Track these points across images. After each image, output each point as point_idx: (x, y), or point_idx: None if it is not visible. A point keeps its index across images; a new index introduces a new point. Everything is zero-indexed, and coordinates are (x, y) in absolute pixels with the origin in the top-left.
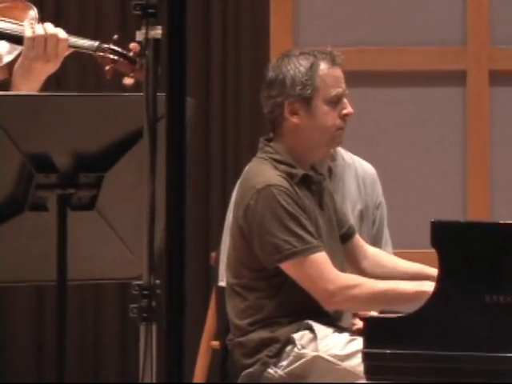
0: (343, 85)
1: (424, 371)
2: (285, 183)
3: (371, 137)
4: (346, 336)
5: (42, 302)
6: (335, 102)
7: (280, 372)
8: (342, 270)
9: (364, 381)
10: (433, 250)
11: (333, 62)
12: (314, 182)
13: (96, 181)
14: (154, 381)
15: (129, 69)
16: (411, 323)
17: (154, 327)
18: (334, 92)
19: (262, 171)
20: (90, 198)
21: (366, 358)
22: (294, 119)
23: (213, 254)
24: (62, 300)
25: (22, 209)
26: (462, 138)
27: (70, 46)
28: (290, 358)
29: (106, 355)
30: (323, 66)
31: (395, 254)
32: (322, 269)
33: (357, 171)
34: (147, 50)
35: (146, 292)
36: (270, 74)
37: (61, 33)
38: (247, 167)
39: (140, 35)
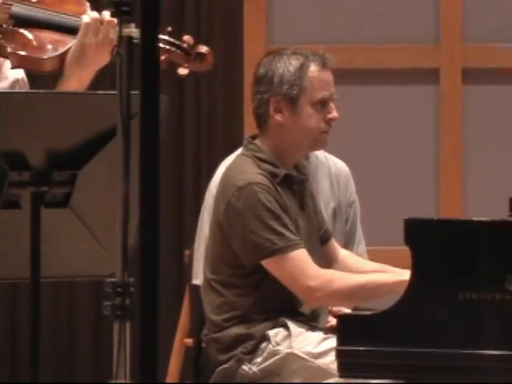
0: (331, 89)
1: (398, 368)
2: (266, 182)
3: (345, 134)
4: (320, 334)
5: (15, 299)
6: (321, 105)
7: (254, 369)
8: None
9: (337, 378)
10: (406, 248)
11: (323, 64)
12: (295, 182)
13: (70, 178)
14: (127, 379)
15: (183, 59)
16: (385, 320)
17: (128, 325)
18: (321, 95)
19: (245, 169)
20: (64, 195)
21: (340, 355)
22: (278, 117)
23: (186, 252)
24: (35, 298)
25: None
26: (435, 136)
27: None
28: (265, 354)
29: (79, 353)
30: (313, 68)
31: (368, 251)
32: (302, 265)
33: (330, 169)
34: (121, 48)
35: (119, 290)
36: (261, 70)
37: (116, 21)
38: (230, 164)
39: (113, 33)
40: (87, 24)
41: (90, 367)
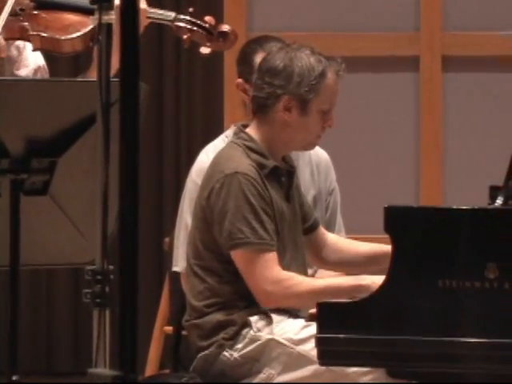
0: (336, 100)
1: (377, 356)
2: (254, 173)
3: None
4: (301, 321)
5: None
6: (325, 113)
7: (235, 355)
8: (303, 264)
9: (316, 365)
10: (386, 236)
11: (337, 73)
12: (283, 174)
13: (49, 166)
14: (107, 367)
15: (205, 39)
16: (365, 308)
17: (108, 312)
18: (328, 106)
19: (234, 157)
20: (43, 183)
21: (320, 342)
22: (286, 115)
23: (166, 240)
24: (14, 285)
25: None
26: (415, 123)
27: (149, 17)
28: (246, 340)
29: (59, 341)
30: (330, 76)
31: (349, 239)
32: (266, 267)
33: (311, 157)
34: (100, 34)
35: (99, 277)
36: (278, 62)
37: (141, 3)
38: (220, 151)
39: (93, 20)
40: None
41: (70, 355)
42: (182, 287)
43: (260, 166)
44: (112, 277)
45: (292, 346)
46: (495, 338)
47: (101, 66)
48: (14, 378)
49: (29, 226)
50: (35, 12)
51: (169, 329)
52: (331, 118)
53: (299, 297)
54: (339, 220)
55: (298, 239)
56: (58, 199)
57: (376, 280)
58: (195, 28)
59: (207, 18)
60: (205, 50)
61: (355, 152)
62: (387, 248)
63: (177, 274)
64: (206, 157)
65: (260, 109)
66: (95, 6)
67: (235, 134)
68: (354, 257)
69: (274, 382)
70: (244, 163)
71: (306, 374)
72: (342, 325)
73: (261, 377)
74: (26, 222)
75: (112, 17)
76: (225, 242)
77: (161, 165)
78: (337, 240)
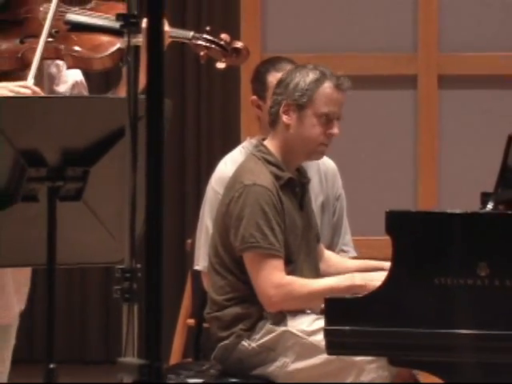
0: (338, 109)
1: (379, 346)
2: (271, 185)
3: None
4: (312, 315)
5: (33, 284)
6: (325, 119)
7: (253, 344)
8: (316, 266)
9: (326, 354)
10: (387, 237)
11: (337, 85)
12: (297, 185)
13: (82, 174)
14: (135, 356)
15: (221, 55)
16: (368, 303)
17: (135, 307)
18: (326, 110)
19: (253, 170)
20: (77, 190)
21: (327, 334)
22: (286, 119)
23: (188, 241)
24: (50, 283)
25: (15, 200)
26: (413, 136)
27: (170, 37)
28: (262, 331)
29: (91, 333)
30: (327, 85)
31: (354, 240)
32: (271, 272)
33: (319, 167)
34: (129, 56)
35: (127, 275)
36: (283, 75)
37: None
38: (242, 162)
39: (123, 42)
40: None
41: (101, 345)
42: (202, 284)
43: (276, 178)
44: (139, 274)
45: (305, 336)
46: (486, 329)
47: (129, 83)
48: (51, 366)
49: (64, 229)
50: (68, 34)
51: (191, 321)
52: (333, 126)
53: (298, 299)
54: (345, 223)
55: (311, 244)
56: (90, 204)
57: (367, 277)
58: (211, 45)
59: (223, 36)
60: (220, 65)
61: (359, 161)
62: (372, 264)
63: (198, 272)
64: (224, 166)
65: (272, 119)
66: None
67: (255, 146)
68: (344, 271)
69: (289, 369)
70: (262, 176)
71: (317, 362)
72: (347, 318)
73: (276, 364)
74: (62, 225)
75: (139, 39)
76: (238, 245)
77: (183, 173)
78: (330, 256)
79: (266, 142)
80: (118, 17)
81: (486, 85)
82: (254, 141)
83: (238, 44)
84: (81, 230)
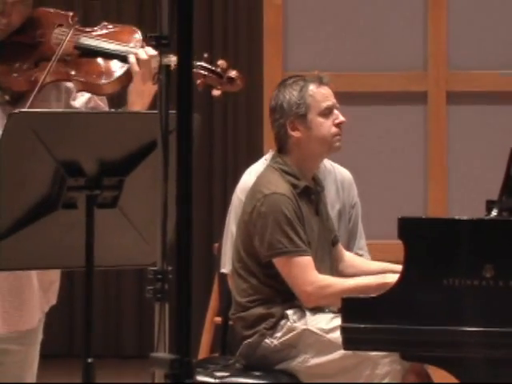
0: (333, 99)
1: (392, 342)
2: (289, 193)
3: (348, 146)
4: (330, 314)
5: (72, 284)
6: (327, 113)
7: (275, 342)
8: (332, 268)
9: (342, 350)
10: (399, 242)
11: (320, 82)
12: (313, 192)
13: (118, 183)
14: (166, 352)
15: (217, 82)
16: (382, 302)
17: (167, 306)
18: (325, 105)
19: (272, 180)
20: (113, 197)
21: (344, 331)
22: (296, 134)
23: (215, 245)
24: (88, 283)
25: (56, 207)
26: (423, 148)
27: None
28: (284, 330)
29: (126, 329)
30: (312, 87)
31: (368, 245)
32: (304, 271)
33: (336, 176)
34: (161, 74)
35: (159, 276)
36: (272, 103)
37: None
38: (260, 173)
39: (154, 62)
40: (135, 64)
41: (135, 341)
42: (228, 285)
43: (293, 186)
44: (170, 276)
45: (323, 334)
46: (491, 327)
47: (161, 100)
48: (89, 360)
49: (101, 234)
50: (78, 59)
51: (218, 319)
52: (337, 115)
53: (334, 296)
54: (360, 228)
55: (326, 246)
56: (125, 211)
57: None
58: (208, 73)
59: (219, 63)
60: (216, 93)
61: (373, 171)
62: (392, 266)
63: (224, 274)
64: (248, 177)
65: (280, 142)
66: (128, 53)
67: (273, 158)
68: (366, 273)
69: (309, 364)
70: (280, 185)
71: (335, 357)
72: (362, 316)
73: (297, 360)
74: (99, 230)
75: (171, 59)
76: (266, 251)
77: (211, 183)
78: (353, 258)
79: (282, 155)
80: (150, 38)
81: (491, 101)
82: (272, 152)
83: (233, 73)
84: (116, 234)
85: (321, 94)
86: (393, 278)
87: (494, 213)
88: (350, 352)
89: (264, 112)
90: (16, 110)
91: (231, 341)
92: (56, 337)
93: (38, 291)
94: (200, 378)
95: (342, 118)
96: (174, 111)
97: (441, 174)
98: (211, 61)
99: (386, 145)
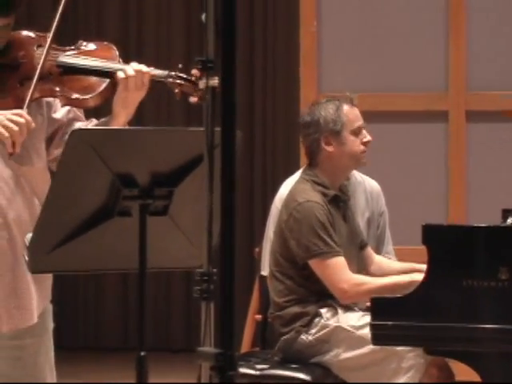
0: (361, 120)
1: (417, 338)
2: (320, 201)
3: (377, 160)
4: (359, 312)
5: (126, 285)
6: (358, 132)
7: (310, 338)
8: (359, 269)
9: (371, 345)
10: (423, 247)
11: (351, 103)
12: (341, 200)
13: (168, 193)
14: (212, 346)
15: (192, 90)
16: (408, 301)
17: (212, 305)
18: (357, 124)
19: (304, 190)
20: (164, 206)
21: (372, 328)
22: (329, 149)
23: (256, 250)
24: (141, 284)
25: (112, 215)
26: (444, 162)
27: (150, 75)
28: (318, 327)
29: (175, 325)
30: (345, 107)
31: (395, 249)
32: (339, 270)
33: (365, 187)
34: (207, 95)
35: (205, 278)
36: (307, 118)
37: (144, 68)
38: (293, 185)
39: (202, 84)
40: (124, 79)
41: (183, 336)
42: (267, 286)
43: (323, 195)
44: (215, 277)
45: (354, 330)
46: (506, 324)
47: (207, 118)
48: (142, 353)
49: (153, 239)
50: (61, 76)
51: (258, 317)
52: (365, 134)
53: (369, 292)
54: (388, 234)
55: (354, 250)
56: (174, 218)
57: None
58: (184, 82)
59: (193, 72)
60: (193, 99)
61: (399, 183)
62: (416, 265)
63: (264, 276)
64: (285, 188)
65: (311, 155)
66: (107, 68)
67: (304, 171)
68: (392, 273)
69: (340, 358)
70: (312, 194)
71: (364, 351)
72: (390, 314)
73: (330, 354)
74: (151, 236)
75: (215, 81)
76: (303, 253)
77: (252, 193)
78: (380, 260)
79: (312, 167)
80: (197, 62)
81: (508, 119)
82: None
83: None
84: (166, 239)
85: (353, 115)
86: (419, 277)
87: (510, 220)
88: (377, 347)
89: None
90: (76, 128)
91: (270, 336)
92: (112, 332)
93: (35, 290)
94: (242, 370)
95: (369, 138)
96: (218, 128)
97: (460, 186)
98: (186, 71)
99: (411, 159)
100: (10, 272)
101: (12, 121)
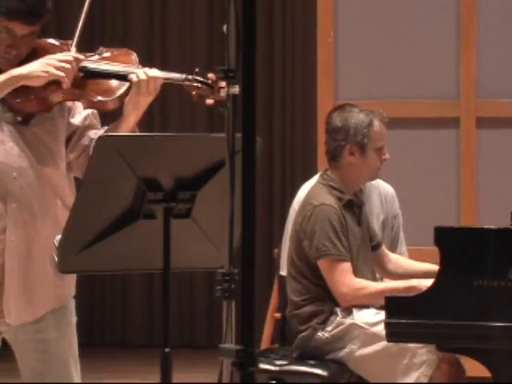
0: (385, 139)
1: (429, 335)
2: (335, 204)
3: (391, 164)
4: (374, 310)
5: (151, 285)
6: (379, 150)
7: (326, 335)
8: (372, 270)
9: (385, 342)
10: (435, 248)
11: (382, 120)
12: (355, 205)
13: (191, 197)
14: (233, 343)
15: (209, 92)
16: (421, 300)
17: (233, 303)
18: (381, 144)
19: (320, 193)
20: (187, 209)
21: (387, 325)
22: (351, 158)
23: (275, 250)
24: (166, 283)
25: (137, 217)
26: (456, 167)
27: (164, 79)
28: (334, 324)
29: (198, 323)
30: (376, 124)
31: (408, 250)
32: (342, 274)
33: (380, 191)
34: (228, 102)
35: (227, 278)
36: (337, 122)
37: (157, 72)
38: (310, 189)
39: (223, 92)
40: (137, 83)
41: (206, 333)
42: (286, 286)
43: (339, 199)
44: (236, 277)
45: (368, 327)
46: None
47: (228, 125)
48: (166, 350)
49: (176, 240)
50: (83, 80)
51: (278, 315)
52: (385, 153)
53: (367, 297)
54: (401, 236)
55: (367, 252)
56: (197, 221)
57: (423, 282)
58: (201, 85)
59: (210, 75)
60: (209, 101)
61: (413, 187)
62: (435, 266)
63: (283, 276)
64: (303, 191)
65: (332, 158)
66: (126, 72)
67: (320, 175)
68: (414, 272)
69: (356, 354)
70: (327, 197)
71: (379, 348)
72: (404, 313)
73: (345, 351)
74: (174, 238)
75: (236, 89)
76: (313, 253)
77: (271, 197)
78: (398, 258)
79: (328, 172)
80: (219, 71)
81: None
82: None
83: (222, 84)
84: (189, 241)
85: (380, 133)
86: (417, 282)
87: None
88: (391, 343)
89: (318, 136)
90: (103, 134)
91: (288, 334)
92: (138, 329)
93: (48, 287)
94: (262, 366)
95: (387, 156)
96: (239, 135)
97: (471, 190)
98: (202, 74)
99: (424, 164)
100: (22, 269)
101: (63, 61)
